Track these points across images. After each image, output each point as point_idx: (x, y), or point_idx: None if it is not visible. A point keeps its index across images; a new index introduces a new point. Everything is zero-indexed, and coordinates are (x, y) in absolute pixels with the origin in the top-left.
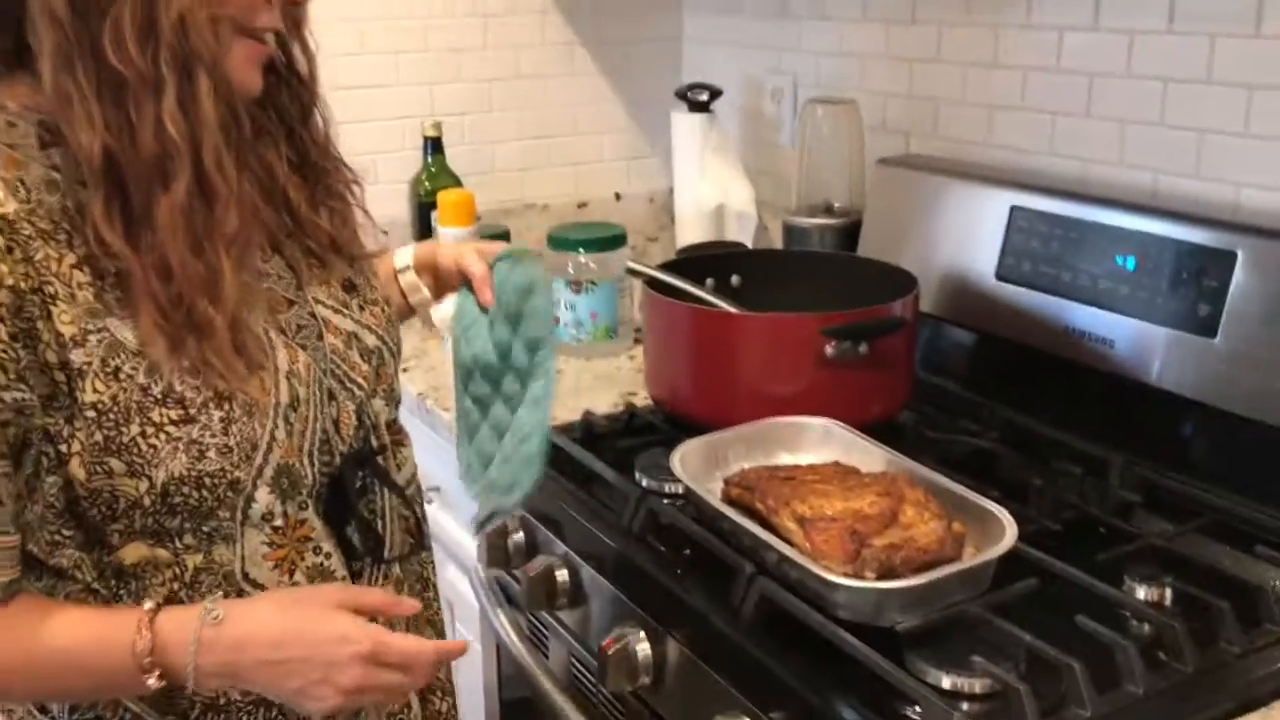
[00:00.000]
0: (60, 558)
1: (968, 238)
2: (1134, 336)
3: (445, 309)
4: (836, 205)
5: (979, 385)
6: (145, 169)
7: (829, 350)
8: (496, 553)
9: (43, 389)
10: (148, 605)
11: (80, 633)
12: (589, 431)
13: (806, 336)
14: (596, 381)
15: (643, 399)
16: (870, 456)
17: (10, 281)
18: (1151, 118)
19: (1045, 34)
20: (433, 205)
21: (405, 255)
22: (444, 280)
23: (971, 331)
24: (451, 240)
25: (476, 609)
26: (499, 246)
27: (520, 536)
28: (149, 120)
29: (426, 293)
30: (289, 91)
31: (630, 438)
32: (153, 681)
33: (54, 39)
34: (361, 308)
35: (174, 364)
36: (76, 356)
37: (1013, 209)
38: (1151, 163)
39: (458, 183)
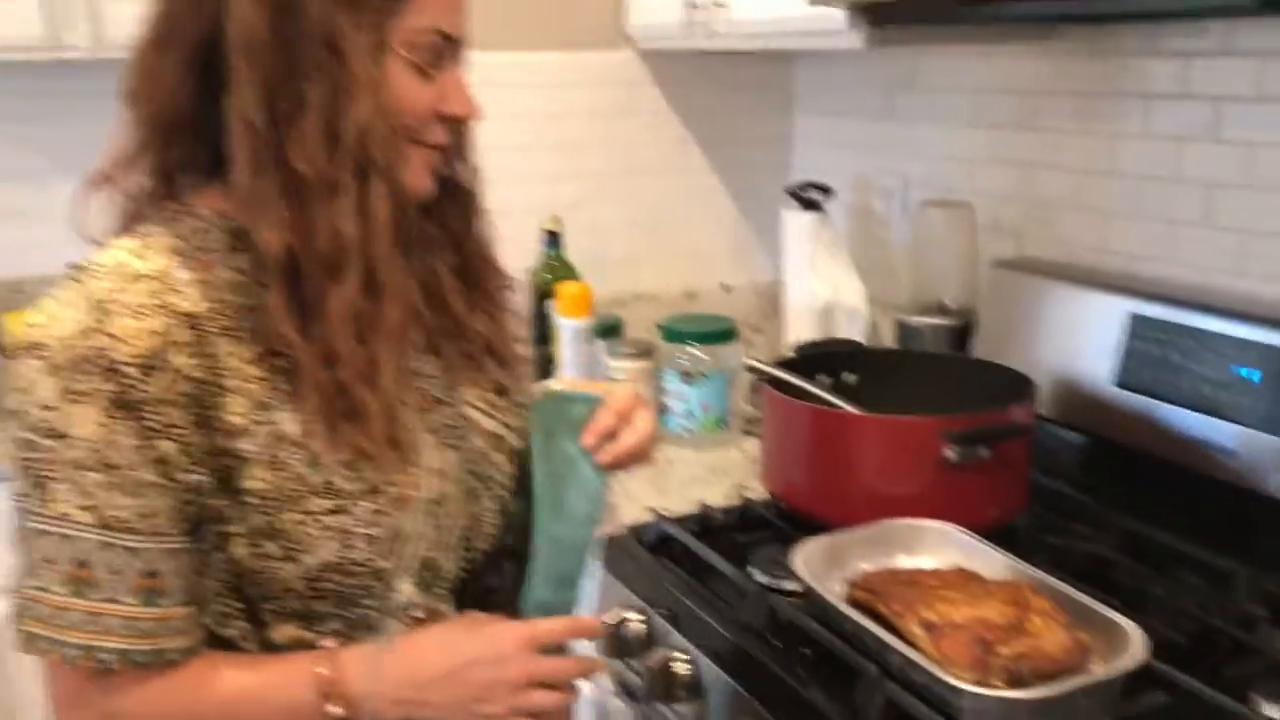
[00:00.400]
0: (230, 629)
1: (1084, 342)
2: (1255, 447)
3: None
4: (949, 305)
5: (1093, 490)
6: (321, 265)
7: (949, 453)
8: (615, 642)
9: (215, 473)
10: (327, 644)
11: (261, 674)
12: (705, 524)
13: (927, 439)
14: (708, 473)
15: (755, 492)
16: (991, 562)
17: (195, 374)
18: (1273, 229)
19: (1163, 144)
20: (550, 296)
21: (555, 386)
22: None
23: (1085, 435)
24: (570, 332)
25: (593, 699)
26: (627, 392)
27: (639, 627)
28: (327, 220)
29: None
30: (454, 203)
31: (745, 532)
32: (335, 710)
33: (248, 146)
34: (510, 410)
35: (332, 454)
36: (244, 445)
37: (1132, 316)
38: (1275, 273)
39: (574, 275)
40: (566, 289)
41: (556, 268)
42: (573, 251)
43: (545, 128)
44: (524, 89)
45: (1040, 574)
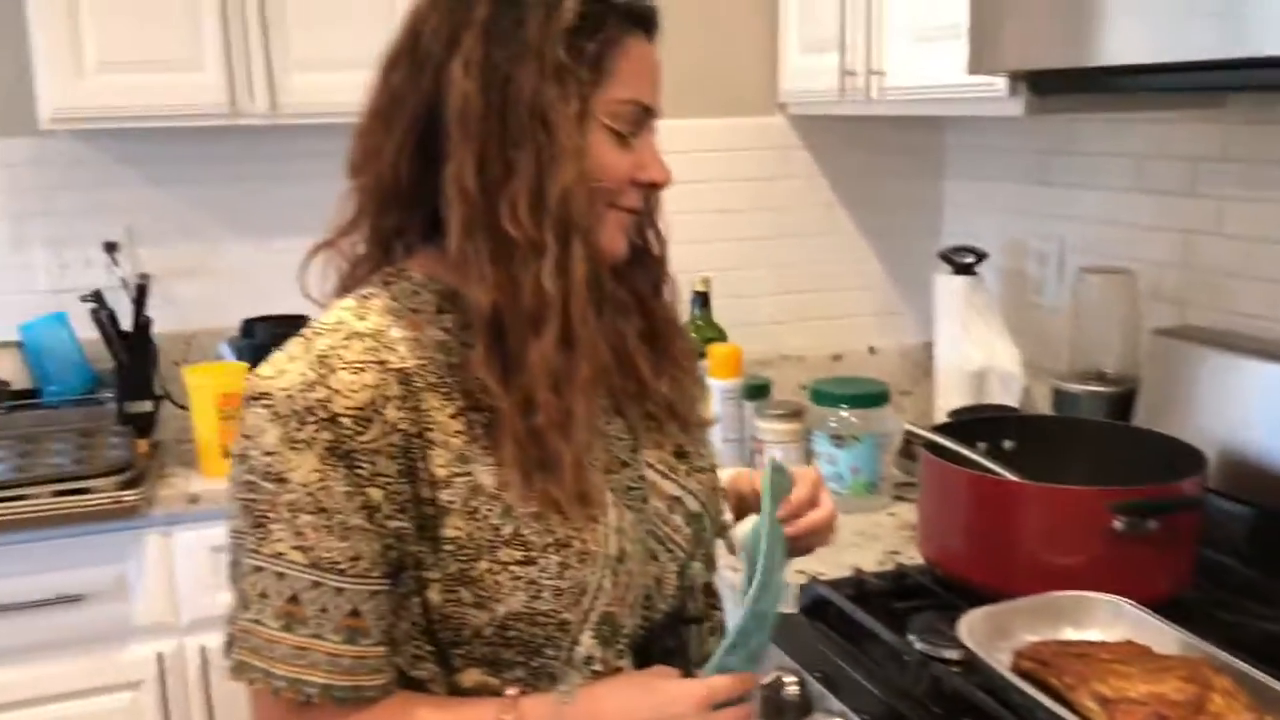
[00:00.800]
0: (420, 671)
1: (1252, 413)
2: None
3: (743, 528)
4: (1108, 372)
5: (1263, 565)
6: (523, 320)
7: (1117, 525)
8: (771, 706)
9: (417, 521)
10: (510, 692)
11: (449, 716)
12: (860, 589)
13: (1093, 509)
14: (858, 537)
15: (908, 558)
16: (1163, 637)
17: (403, 426)
18: None
19: None
20: (699, 356)
21: (722, 475)
22: (744, 505)
23: (1253, 508)
24: (720, 393)
25: None
26: (810, 472)
27: (795, 690)
28: (531, 279)
29: (729, 515)
30: (643, 268)
31: (901, 598)
32: None
33: (462, 211)
34: (689, 474)
35: (524, 506)
36: (444, 495)
37: None
38: None
39: (722, 335)
40: (716, 350)
41: (704, 328)
42: (721, 312)
43: (696, 191)
44: (677, 154)
45: (1217, 651)
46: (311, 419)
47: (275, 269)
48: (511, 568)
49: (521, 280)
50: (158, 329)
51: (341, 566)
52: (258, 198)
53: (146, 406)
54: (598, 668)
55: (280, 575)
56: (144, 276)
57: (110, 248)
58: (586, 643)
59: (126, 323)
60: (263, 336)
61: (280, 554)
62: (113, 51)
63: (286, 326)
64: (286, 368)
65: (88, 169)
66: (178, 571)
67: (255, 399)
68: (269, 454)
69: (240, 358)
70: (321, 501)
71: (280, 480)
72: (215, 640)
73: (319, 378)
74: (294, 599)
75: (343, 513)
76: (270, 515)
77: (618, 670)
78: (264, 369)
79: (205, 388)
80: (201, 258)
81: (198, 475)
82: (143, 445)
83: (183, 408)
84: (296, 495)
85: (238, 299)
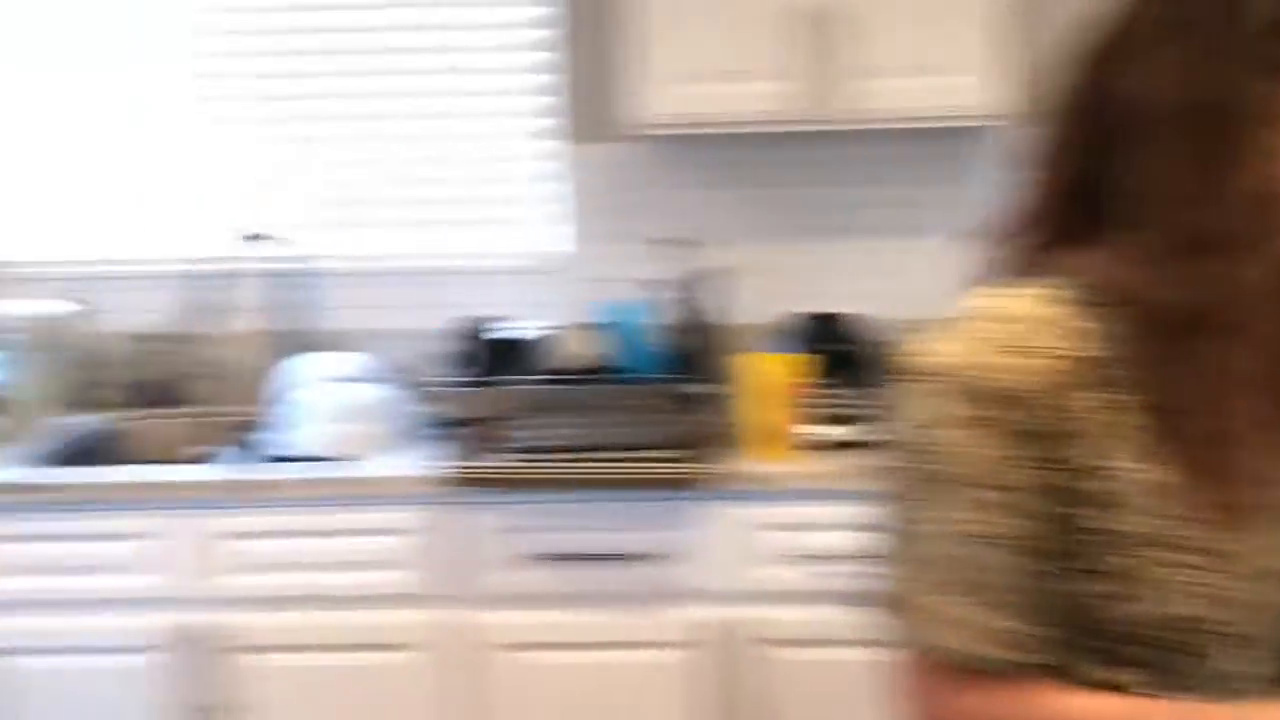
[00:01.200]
0: (1052, 657)
1: None
2: None
3: None
4: None
5: None
6: (1201, 321)
7: None
8: None
9: (1065, 508)
10: (1151, 691)
11: (1088, 707)
12: None
13: None
14: None
15: None
16: None
17: (1065, 414)
18: None
19: None
20: None
21: None
22: None
23: None
24: None
25: None
26: None
27: None
28: (1211, 279)
29: None
30: None
31: None
32: None
33: (1144, 208)
34: None
35: (1178, 509)
36: (1095, 487)
37: None
38: None
39: None
40: None
41: None
42: None
43: None
44: None
45: None
46: (975, 398)
47: (829, 267)
48: (1152, 568)
49: (1202, 280)
50: (720, 319)
51: (999, 542)
52: (817, 200)
53: (707, 389)
54: (1235, 685)
55: (936, 543)
56: (710, 271)
57: (680, 244)
58: (1224, 658)
59: (694, 312)
60: (815, 331)
61: (937, 522)
62: (694, 62)
63: (837, 322)
64: (951, 348)
65: (661, 171)
66: (725, 544)
67: (917, 376)
68: (928, 428)
69: (793, 350)
70: (977, 477)
71: (936, 454)
72: (759, 613)
73: (985, 360)
74: (950, 568)
75: (995, 490)
76: (924, 488)
77: (1256, 694)
78: (926, 348)
79: (760, 375)
80: (763, 255)
81: (749, 457)
82: (701, 424)
83: (738, 393)
84: (953, 469)
85: (794, 294)
